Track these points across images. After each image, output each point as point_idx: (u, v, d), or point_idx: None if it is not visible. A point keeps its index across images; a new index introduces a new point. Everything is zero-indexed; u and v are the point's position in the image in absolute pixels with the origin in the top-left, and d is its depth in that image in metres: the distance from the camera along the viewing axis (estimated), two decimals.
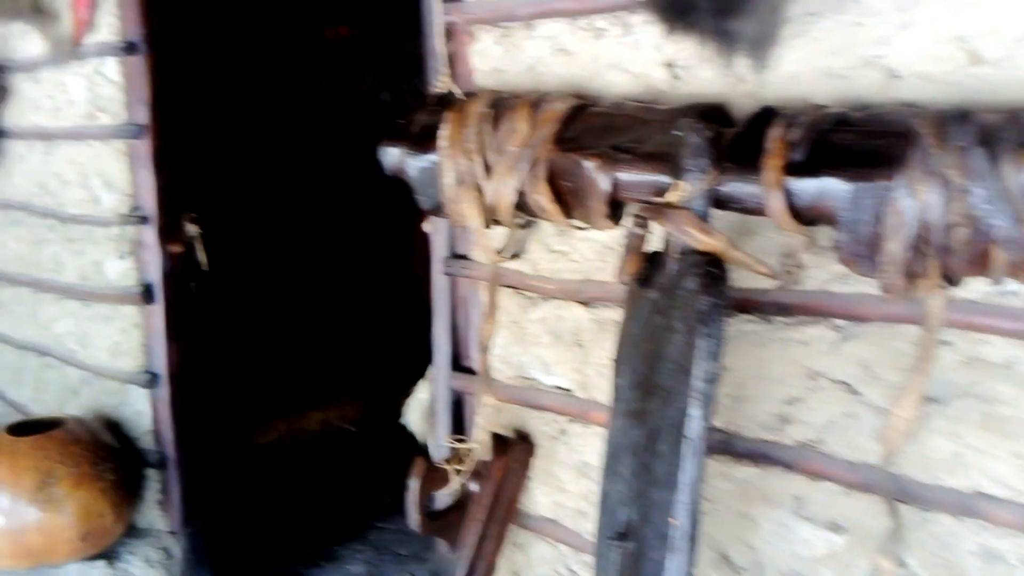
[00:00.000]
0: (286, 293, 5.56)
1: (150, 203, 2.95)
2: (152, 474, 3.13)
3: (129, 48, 2.84)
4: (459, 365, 2.19)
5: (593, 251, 1.82)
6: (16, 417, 3.67)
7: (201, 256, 3.08)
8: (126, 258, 3.01)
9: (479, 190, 1.75)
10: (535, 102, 1.71)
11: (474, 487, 1.91)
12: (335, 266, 6.05)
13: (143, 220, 2.97)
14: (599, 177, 1.52)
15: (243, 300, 5.08)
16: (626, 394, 1.51)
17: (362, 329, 5.61)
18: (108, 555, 2.96)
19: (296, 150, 5.21)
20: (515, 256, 1.83)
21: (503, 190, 1.70)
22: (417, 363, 4.97)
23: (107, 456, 2.91)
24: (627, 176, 1.50)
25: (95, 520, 2.82)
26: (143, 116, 2.89)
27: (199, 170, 3.28)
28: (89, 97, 3.03)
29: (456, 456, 1.88)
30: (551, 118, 1.66)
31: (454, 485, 1.84)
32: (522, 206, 1.72)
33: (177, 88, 3.01)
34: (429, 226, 2.30)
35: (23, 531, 2.71)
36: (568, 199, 1.65)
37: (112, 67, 2.92)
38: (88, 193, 3.10)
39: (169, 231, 2.99)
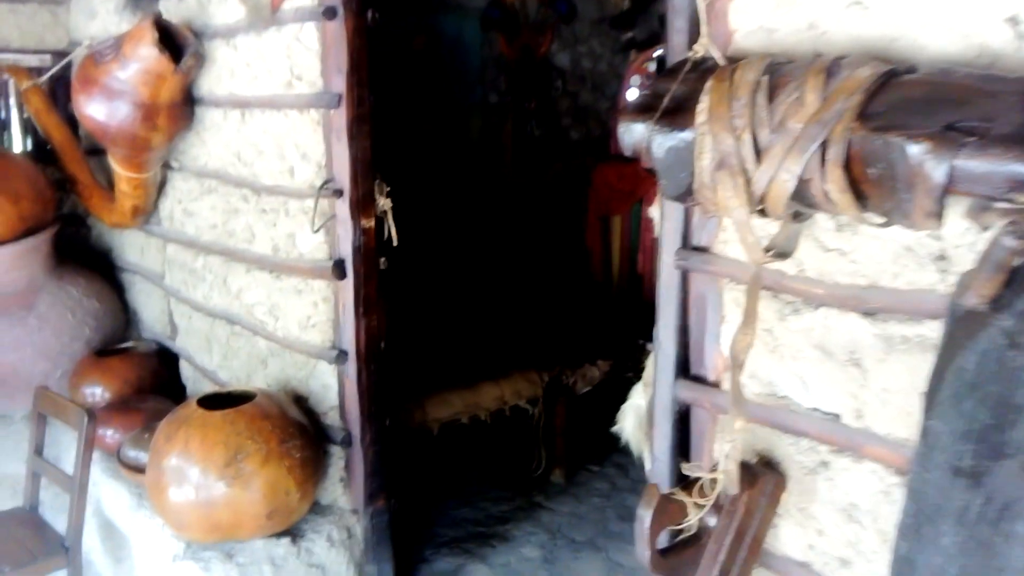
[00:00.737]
0: (463, 268, 5.50)
1: (344, 175, 2.84)
2: (336, 451, 3.06)
3: (328, 13, 2.71)
4: (686, 372, 1.92)
5: (885, 252, 1.48)
6: (204, 383, 3.73)
7: (392, 230, 2.94)
8: (319, 231, 2.91)
9: (746, 175, 1.45)
10: (829, 68, 1.38)
11: (711, 520, 1.64)
12: (510, 241, 5.93)
13: (337, 193, 2.86)
14: (930, 165, 1.19)
15: (423, 273, 5.02)
16: (950, 445, 1.19)
17: (536, 306, 5.46)
18: (292, 532, 2.91)
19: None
20: (782, 256, 1.52)
21: (781, 176, 1.40)
22: (591, 342, 4.82)
23: (295, 433, 2.85)
24: (971, 165, 1.16)
25: (281, 498, 2.76)
26: (339, 85, 2.77)
27: (390, 142, 3.15)
28: (286, 65, 2.93)
29: (696, 486, 1.61)
30: (853, 87, 1.33)
31: (692, 519, 1.58)
32: (800, 195, 1.41)
33: (372, 57, 2.87)
34: (656, 211, 2.03)
35: (211, 505, 2.69)
36: (868, 189, 1.33)
37: (310, 33, 2.81)
38: (283, 164, 3.03)
39: (362, 204, 2.87)
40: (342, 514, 3.05)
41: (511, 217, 6.03)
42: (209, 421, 2.78)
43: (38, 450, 3.21)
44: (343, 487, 3.07)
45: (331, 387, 3.04)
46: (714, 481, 1.59)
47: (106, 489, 3.36)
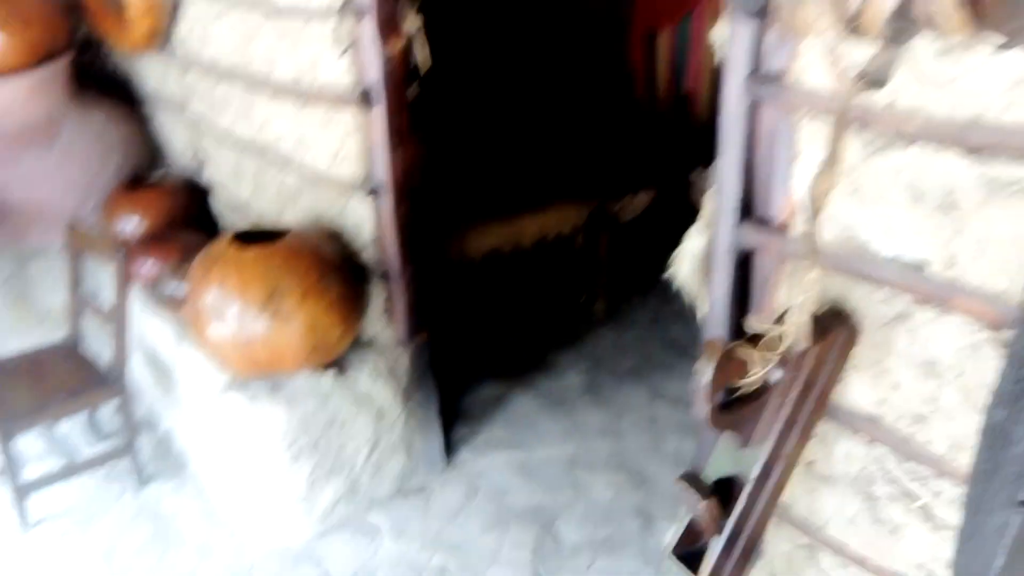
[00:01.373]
0: (500, 94, 5.20)
1: None
2: (376, 286, 2.99)
3: None
4: (750, 214, 1.74)
5: (996, 81, 1.26)
6: (235, 216, 3.63)
7: (423, 54, 2.70)
8: (343, 56, 2.68)
9: None
10: None
11: (775, 374, 1.53)
12: (548, 61, 5.57)
13: (360, 12, 2.60)
14: None
15: (458, 101, 4.76)
16: None
17: (578, 132, 5.20)
18: (337, 365, 2.90)
19: None
20: (876, 85, 1.30)
21: None
22: (635, 169, 4.60)
23: (331, 269, 2.76)
24: None
25: (322, 334, 2.72)
26: None
27: None
28: None
29: (762, 339, 1.49)
30: None
31: (756, 375, 1.46)
32: (902, 11, 1.18)
33: None
34: (720, 30, 1.78)
35: (252, 342, 2.65)
36: (989, 4, 1.10)
37: None
38: None
39: (388, 25, 2.62)
40: (386, 348, 3.02)
41: (549, 35, 5.63)
42: (244, 258, 2.70)
43: (75, 286, 3.19)
44: (385, 321, 3.02)
45: (367, 222, 2.92)
46: (781, 334, 1.46)
47: (148, 322, 3.37)
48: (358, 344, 3.02)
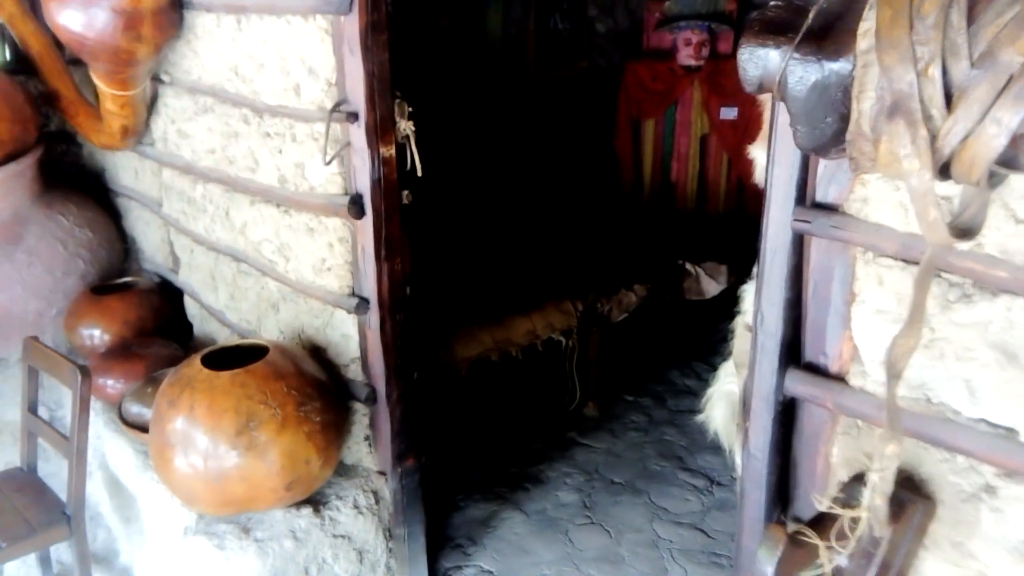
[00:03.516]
0: (486, 190, 5.07)
1: (359, 95, 2.41)
2: (360, 408, 2.74)
3: None
4: (796, 358, 1.55)
5: None
6: (211, 322, 3.39)
7: (416, 159, 2.53)
8: (331, 161, 2.50)
9: (931, 125, 1.05)
10: None
11: (843, 560, 1.30)
12: (533, 153, 5.48)
13: (352, 116, 2.43)
14: None
15: (443, 201, 4.62)
16: None
17: (565, 227, 5.06)
18: (314, 500, 2.63)
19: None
20: (967, 234, 1.12)
21: (988, 130, 1.00)
22: (625, 263, 4.44)
23: (313, 393, 2.52)
24: None
25: (301, 468, 2.46)
26: None
27: (408, 54, 2.69)
28: None
29: (829, 522, 1.27)
30: None
31: (826, 568, 1.24)
32: (1007, 154, 1.01)
33: None
34: (759, 151, 1.62)
35: (223, 478, 2.39)
36: None
37: None
38: (287, 80, 2.59)
39: (381, 129, 2.45)
40: (368, 476, 2.76)
41: (533, 125, 5.55)
42: (216, 384, 2.45)
43: (32, 407, 2.91)
44: (368, 447, 2.77)
45: (352, 338, 2.69)
46: (854, 520, 1.25)
47: (110, 444, 3.09)
48: (340, 470, 2.76)
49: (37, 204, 3.56)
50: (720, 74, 5.32)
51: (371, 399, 2.69)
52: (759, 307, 1.58)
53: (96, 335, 3.37)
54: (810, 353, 1.53)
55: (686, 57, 5.34)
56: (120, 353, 3.23)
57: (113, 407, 3.10)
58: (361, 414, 2.75)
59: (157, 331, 3.51)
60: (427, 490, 2.92)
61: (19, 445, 2.99)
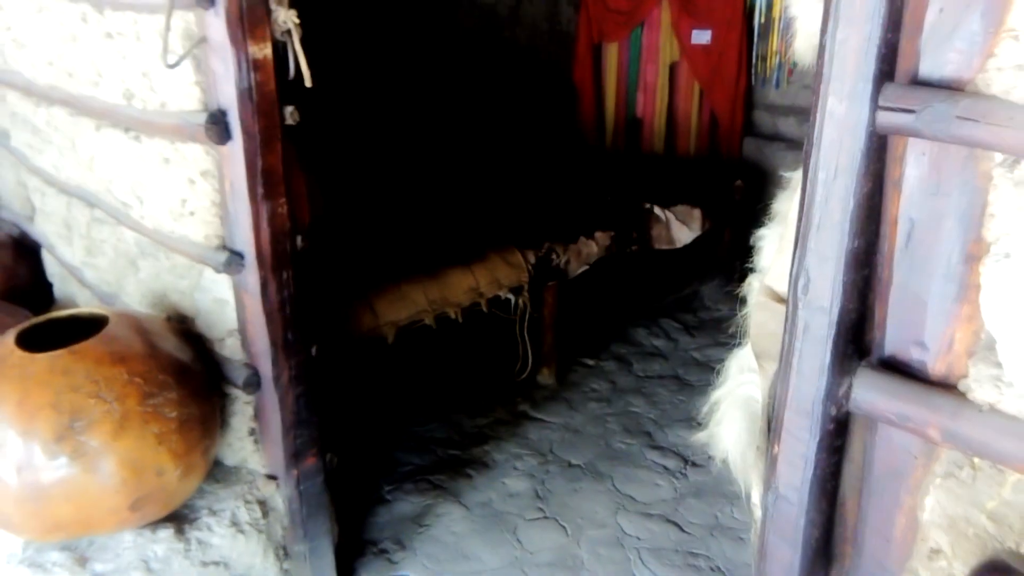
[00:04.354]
0: (415, 116, 4.38)
1: None
2: (240, 395, 2.11)
3: None
4: (861, 350, 0.95)
5: None
6: (72, 284, 2.72)
7: (301, 63, 1.86)
8: (183, 66, 1.83)
9: None
10: None
11: None
12: (475, 77, 4.80)
13: (206, 1, 1.76)
14: None
15: (359, 127, 3.93)
16: None
17: (514, 165, 4.42)
18: (178, 516, 2.01)
19: None
20: None
21: None
22: (584, 208, 3.83)
23: (168, 381, 1.88)
24: None
25: (150, 480, 1.84)
26: None
27: None
28: None
29: None
30: None
31: None
32: None
33: None
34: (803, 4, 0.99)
35: (42, 496, 1.76)
36: None
37: None
38: None
39: (249, 20, 1.78)
40: (253, 481, 2.15)
41: (477, 45, 4.86)
42: (31, 370, 1.80)
43: None
44: (254, 443, 2.15)
45: (227, 304, 2.06)
46: None
47: None
48: (213, 479, 2.14)
49: None
50: None
51: (253, 384, 2.06)
52: (802, 264, 0.97)
53: None
54: (893, 342, 0.93)
55: None
56: None
57: None
58: (243, 402, 2.12)
59: (10, 294, 2.82)
60: (340, 485, 2.32)
61: None
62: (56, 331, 1.94)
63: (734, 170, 4.52)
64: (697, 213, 4.07)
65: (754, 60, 4.65)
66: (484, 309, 3.23)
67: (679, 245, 4.06)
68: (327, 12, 2.10)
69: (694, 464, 3.14)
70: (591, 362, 3.89)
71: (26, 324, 1.95)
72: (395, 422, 3.35)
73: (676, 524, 2.83)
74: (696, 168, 4.62)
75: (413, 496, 2.94)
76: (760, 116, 4.80)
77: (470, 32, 4.83)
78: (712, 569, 2.64)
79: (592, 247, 3.68)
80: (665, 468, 3.13)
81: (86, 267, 2.58)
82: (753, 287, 1.12)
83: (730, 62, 4.68)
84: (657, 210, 4.01)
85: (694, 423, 3.21)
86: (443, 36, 4.68)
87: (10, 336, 1.90)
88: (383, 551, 2.68)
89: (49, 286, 2.97)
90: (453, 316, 3.14)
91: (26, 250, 2.99)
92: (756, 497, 1.12)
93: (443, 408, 3.46)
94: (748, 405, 1.12)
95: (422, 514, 2.85)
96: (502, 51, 4.98)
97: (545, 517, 2.87)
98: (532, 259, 3.39)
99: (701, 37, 4.73)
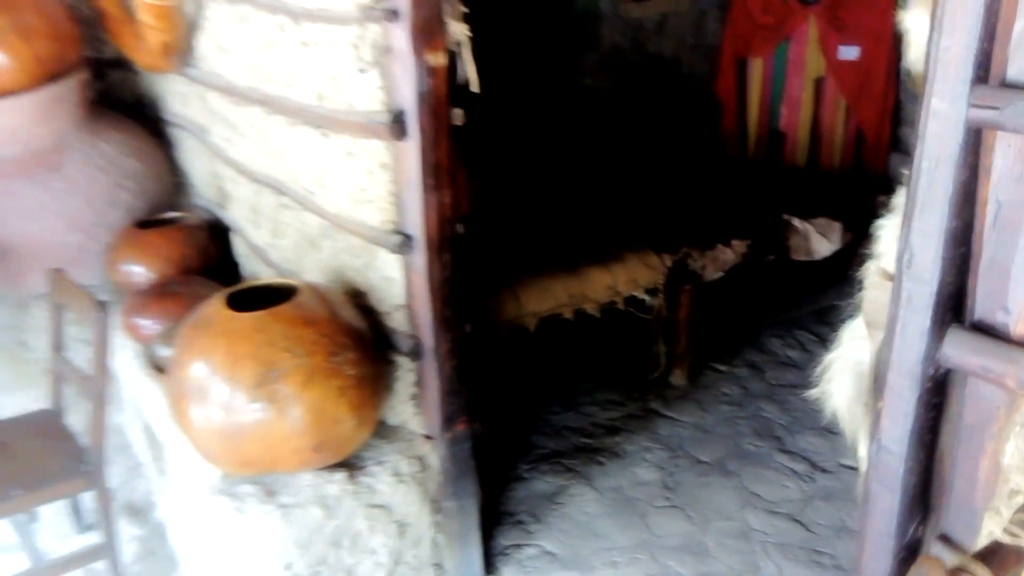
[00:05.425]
0: (564, 121, 4.61)
1: None
2: (404, 363, 2.38)
3: None
4: (958, 315, 1.08)
5: None
6: (258, 263, 3.09)
7: (470, 70, 2.11)
8: (368, 71, 2.11)
9: None
10: None
11: None
12: (622, 88, 4.98)
13: (392, 15, 2.04)
14: None
15: (513, 129, 4.19)
16: None
17: (655, 171, 4.57)
18: (349, 464, 2.29)
19: None
20: None
21: None
22: (723, 216, 3.93)
23: (348, 343, 2.17)
24: None
25: (330, 427, 2.12)
26: None
27: None
28: None
29: (1012, 558, 0.82)
30: None
31: None
32: None
33: None
34: (916, 18, 1.13)
35: (241, 435, 2.07)
36: None
37: None
38: None
39: (428, 32, 2.04)
40: (412, 440, 2.41)
41: (624, 59, 5.04)
42: (236, 326, 2.12)
43: (56, 346, 2.67)
44: (414, 407, 2.41)
45: (395, 281, 2.33)
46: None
47: (144, 390, 2.83)
48: (381, 431, 2.42)
49: (80, 131, 3.33)
50: (840, 7, 4.67)
51: (416, 353, 2.32)
52: (907, 242, 1.10)
53: (137, 272, 3.13)
54: (982, 308, 1.05)
55: None
56: (158, 292, 2.97)
57: (145, 349, 2.84)
58: (406, 370, 2.39)
59: (204, 271, 3.24)
60: (483, 459, 2.55)
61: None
62: (255, 296, 2.26)
63: (878, 185, 4.48)
64: (838, 226, 4.07)
65: (903, 76, 4.60)
66: (621, 307, 3.40)
67: (818, 257, 4.07)
68: (491, 24, 2.34)
69: (823, 470, 3.18)
70: (723, 367, 3.96)
71: (232, 289, 2.29)
72: (531, 407, 3.56)
73: (802, 524, 2.89)
74: (839, 182, 4.61)
75: (548, 476, 3.14)
76: (908, 132, 4.73)
77: (616, 44, 5.02)
78: (836, 567, 2.69)
79: (729, 254, 3.77)
80: (794, 471, 3.19)
81: (271, 248, 2.95)
82: (870, 270, 1.25)
83: (878, 78, 4.64)
84: (796, 221, 4.04)
85: (826, 431, 3.27)
86: (590, 48, 4.89)
87: (219, 298, 2.24)
88: (520, 522, 2.89)
89: (235, 264, 3.38)
90: (591, 311, 3.32)
91: (217, 233, 3.40)
92: (862, 450, 1.25)
93: (577, 399, 3.65)
94: (857, 367, 1.25)
95: (556, 493, 3.05)
96: (646, 63, 5.13)
97: (673, 506, 3.00)
98: (669, 262, 3.52)
99: (848, 53, 4.72)
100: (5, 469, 2.43)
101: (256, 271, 3.16)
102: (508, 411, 3.46)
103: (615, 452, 3.30)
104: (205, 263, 3.28)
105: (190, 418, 2.14)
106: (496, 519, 2.86)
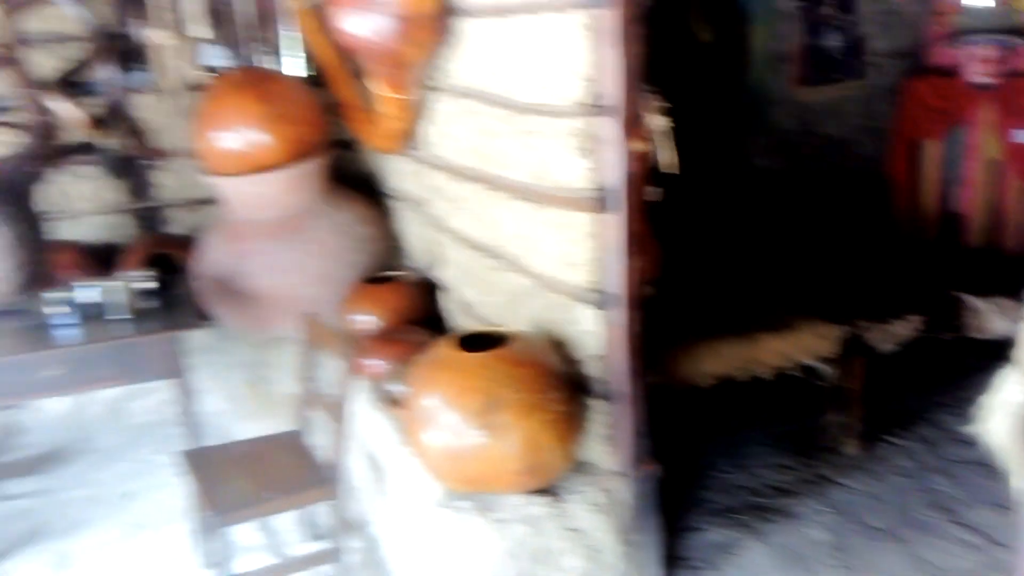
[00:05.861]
0: (741, 196, 4.90)
1: (613, 89, 2.42)
2: (598, 405, 2.72)
3: None
4: None
5: None
6: (464, 317, 3.55)
7: (670, 156, 2.49)
8: (581, 156, 2.53)
9: None
10: None
11: None
12: (797, 166, 5.22)
13: (603, 111, 2.45)
14: None
15: (693, 201, 4.52)
16: None
17: (828, 245, 4.74)
18: (550, 491, 2.64)
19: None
20: None
21: None
22: (896, 292, 4.05)
23: (555, 384, 2.55)
24: None
25: (539, 454, 2.49)
26: None
27: (663, 50, 2.67)
28: None
29: None
30: None
31: None
32: None
33: None
34: None
35: (465, 455, 2.48)
36: None
37: None
38: (543, 77, 2.67)
39: (633, 124, 2.44)
40: (604, 476, 2.72)
41: (798, 141, 5.29)
42: (464, 364, 2.55)
43: (306, 377, 3.21)
44: (605, 446, 2.73)
45: (593, 334, 2.69)
46: None
47: (368, 419, 3.32)
48: (575, 468, 2.75)
49: (321, 200, 3.98)
50: (1015, 92, 4.75)
51: (610, 397, 2.66)
52: None
53: (367, 320, 3.67)
54: None
55: (976, 74, 4.85)
56: (385, 337, 3.50)
57: (375, 385, 3.34)
58: (598, 412, 2.73)
59: (417, 322, 3.74)
60: (664, 505, 2.82)
61: (291, 414, 3.30)
62: (473, 341, 2.69)
63: None
64: (1015, 305, 4.09)
65: None
66: (792, 373, 3.59)
67: (993, 335, 4.09)
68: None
69: (999, 543, 3.20)
70: (896, 440, 4.00)
71: (460, 334, 2.74)
72: (703, 463, 3.78)
73: None
74: (1016, 263, 4.61)
75: (721, 528, 3.33)
76: None
77: (786, 127, 5.28)
78: None
79: (902, 329, 3.88)
80: (968, 543, 3.22)
81: (479, 304, 3.40)
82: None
83: None
84: (972, 299, 4.10)
85: (1002, 507, 3.28)
86: (761, 130, 5.18)
87: (449, 341, 2.69)
88: (695, 567, 3.10)
89: (441, 317, 3.87)
90: (763, 376, 3.54)
91: (428, 289, 3.92)
92: (1019, 483, 1.45)
93: (748, 459, 3.83)
94: (1015, 407, 1.46)
95: (729, 545, 3.24)
96: (816, 144, 5.35)
97: (844, 567, 3.10)
98: (842, 333, 3.69)
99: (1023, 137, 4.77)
100: (263, 477, 2.95)
101: (462, 323, 3.62)
102: (681, 462, 3.70)
103: (786, 512, 3.45)
104: (418, 315, 3.78)
105: (421, 440, 2.58)
106: (673, 561, 3.10)
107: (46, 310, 3.34)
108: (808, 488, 3.62)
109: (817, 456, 3.83)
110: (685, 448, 3.82)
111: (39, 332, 3.33)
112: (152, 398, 4.58)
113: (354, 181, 4.42)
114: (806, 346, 3.63)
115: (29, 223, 3.61)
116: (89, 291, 3.38)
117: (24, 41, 3.62)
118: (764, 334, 3.56)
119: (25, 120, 3.66)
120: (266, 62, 4.42)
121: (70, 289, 3.37)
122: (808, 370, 3.62)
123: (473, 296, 3.46)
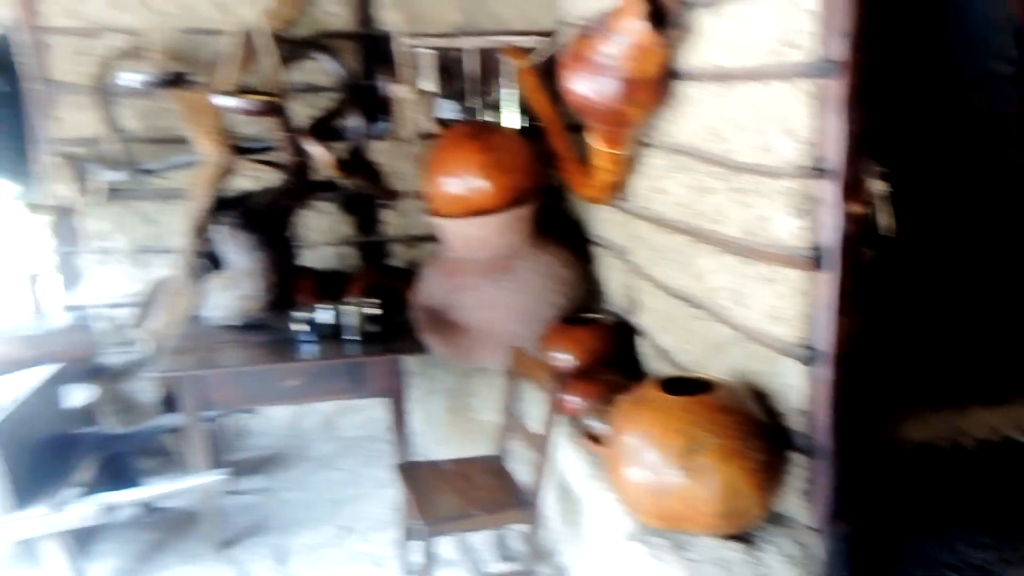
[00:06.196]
0: (956, 264, 4.72)
1: (834, 154, 2.51)
2: (797, 459, 2.78)
3: None
4: None
5: None
6: (660, 362, 3.69)
7: (887, 219, 2.54)
8: (798, 216, 2.63)
9: None
10: None
11: None
12: (1013, 238, 4.96)
13: (823, 173, 2.55)
14: None
15: (906, 266, 4.43)
16: None
17: None
18: (743, 538, 2.72)
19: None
20: None
21: None
22: None
23: (755, 432, 2.63)
24: None
25: (737, 500, 2.58)
26: (839, 50, 2.44)
27: (890, 117, 2.73)
28: (776, 31, 2.68)
29: None
30: None
31: None
32: None
33: (880, 14, 2.48)
34: None
35: (664, 493, 2.60)
36: None
37: None
38: (762, 140, 2.80)
39: (852, 187, 2.52)
40: (798, 529, 2.77)
41: (1013, 213, 5.02)
42: (668, 406, 2.70)
43: (510, 406, 3.46)
44: (801, 500, 2.78)
45: (797, 388, 2.75)
46: None
47: (565, 452, 3.52)
48: (769, 518, 2.81)
49: (528, 244, 4.26)
50: None
51: (811, 451, 2.71)
52: None
53: (564, 358, 3.89)
54: None
55: None
56: (582, 376, 3.69)
57: (572, 421, 3.54)
58: (798, 465, 2.78)
59: (611, 363, 3.92)
60: (856, 562, 2.81)
61: (493, 444, 3.56)
62: (678, 385, 2.83)
63: None
64: None
65: None
66: (1000, 447, 3.45)
67: None
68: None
69: None
70: None
71: (662, 377, 2.89)
72: (903, 532, 3.67)
73: None
74: None
75: None
76: None
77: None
78: None
79: None
80: None
81: (677, 351, 3.53)
82: None
83: None
84: None
85: None
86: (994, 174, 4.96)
87: (654, 383, 2.84)
88: None
89: (636, 361, 4.02)
90: (968, 447, 3.43)
91: (625, 334, 4.09)
92: None
93: (949, 532, 3.68)
94: None
95: None
96: None
97: None
98: None
99: None
100: (470, 495, 3.22)
101: (656, 368, 3.76)
102: (880, 527, 3.61)
103: None
104: (612, 357, 3.96)
105: (622, 476, 2.73)
106: None
107: (292, 327, 3.81)
108: (1012, 570, 3.43)
109: (1022, 536, 3.63)
110: (885, 512, 3.73)
111: (284, 346, 3.82)
112: (362, 415, 5.05)
113: (560, 227, 4.70)
114: (1018, 421, 3.48)
115: (281, 251, 4.12)
116: (327, 313, 3.83)
117: (288, 91, 4.17)
118: (974, 405, 3.45)
119: (284, 160, 4.19)
120: (488, 115, 4.81)
121: (312, 310, 3.83)
122: (1018, 446, 3.47)
123: (670, 342, 3.60)
